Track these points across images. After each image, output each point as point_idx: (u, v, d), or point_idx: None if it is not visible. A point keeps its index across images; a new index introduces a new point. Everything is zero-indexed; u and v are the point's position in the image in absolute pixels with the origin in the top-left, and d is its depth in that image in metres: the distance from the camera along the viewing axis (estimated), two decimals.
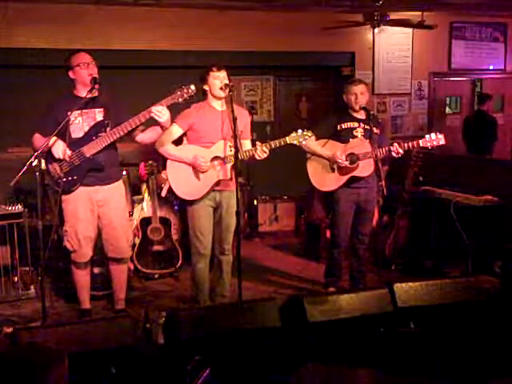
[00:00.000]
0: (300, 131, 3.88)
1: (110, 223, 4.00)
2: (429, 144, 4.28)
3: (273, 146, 3.88)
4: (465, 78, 7.82)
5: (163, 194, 4.19)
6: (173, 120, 3.99)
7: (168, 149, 3.99)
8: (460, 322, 2.96)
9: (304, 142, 3.95)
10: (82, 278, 4.12)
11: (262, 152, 3.85)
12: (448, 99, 7.90)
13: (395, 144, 4.25)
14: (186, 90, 3.69)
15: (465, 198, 4.75)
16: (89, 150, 3.80)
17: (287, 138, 3.88)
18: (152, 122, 3.83)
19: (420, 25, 6.57)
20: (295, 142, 3.89)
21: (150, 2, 5.92)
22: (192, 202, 4.01)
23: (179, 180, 3.99)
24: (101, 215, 3.99)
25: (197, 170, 3.93)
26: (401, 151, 4.21)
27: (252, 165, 4.19)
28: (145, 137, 3.93)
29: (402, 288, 3.04)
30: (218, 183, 3.98)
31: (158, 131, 3.87)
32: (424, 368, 2.73)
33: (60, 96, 3.99)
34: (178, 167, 3.99)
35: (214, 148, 3.94)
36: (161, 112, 3.66)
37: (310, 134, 3.89)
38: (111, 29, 5.98)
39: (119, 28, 6.01)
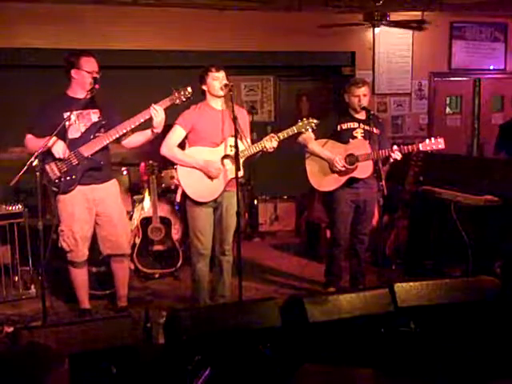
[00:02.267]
0: (305, 119, 3.94)
1: (109, 220, 4.01)
2: (428, 148, 4.30)
3: (281, 137, 3.90)
4: (465, 78, 7.81)
5: (178, 199, 4.18)
6: (174, 122, 3.99)
7: (175, 153, 3.97)
8: (460, 322, 2.96)
9: (310, 130, 3.99)
10: (80, 278, 4.11)
11: (271, 143, 3.85)
12: (448, 99, 7.90)
13: (395, 149, 4.25)
14: (182, 92, 3.72)
15: (465, 197, 4.74)
16: (87, 150, 3.81)
17: (294, 128, 3.93)
18: (140, 128, 3.84)
19: (418, 27, 6.59)
20: (303, 130, 3.97)
21: (150, 2, 5.93)
22: (193, 202, 4.01)
23: (192, 184, 3.96)
24: (99, 213, 3.99)
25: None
26: (398, 158, 4.23)
27: (253, 163, 4.18)
28: (131, 140, 3.94)
29: (403, 288, 3.04)
30: (227, 182, 3.97)
31: (146, 135, 3.86)
32: (424, 368, 2.73)
33: (52, 97, 3.97)
34: (188, 171, 3.96)
35: (222, 147, 3.94)
36: (158, 111, 3.68)
37: (315, 121, 3.96)
38: (111, 29, 5.98)
39: (119, 28, 6.01)
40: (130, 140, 3.93)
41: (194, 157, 3.95)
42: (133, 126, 3.77)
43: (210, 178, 3.94)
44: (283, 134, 3.90)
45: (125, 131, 3.78)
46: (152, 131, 3.80)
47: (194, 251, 4.11)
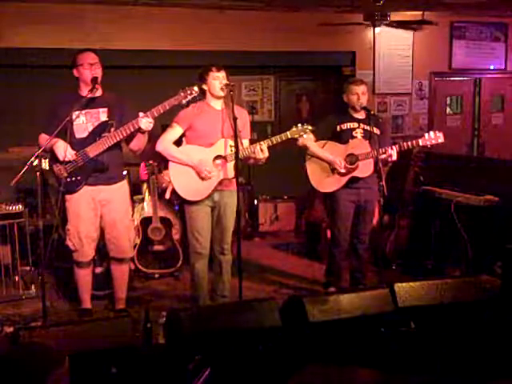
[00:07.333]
0: (300, 125, 3.89)
1: (112, 223, 4.01)
2: (428, 142, 4.30)
3: (274, 142, 3.88)
4: (466, 78, 7.81)
5: (167, 196, 4.17)
6: (172, 120, 4.00)
7: (170, 149, 3.98)
8: (460, 322, 2.96)
9: (305, 136, 3.97)
10: (84, 278, 4.12)
11: (260, 149, 3.84)
12: (449, 99, 7.90)
13: (394, 146, 4.25)
14: (189, 92, 3.70)
15: (465, 198, 4.75)
16: (92, 151, 3.80)
17: (288, 133, 3.89)
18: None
19: (420, 21, 6.59)
20: (296, 136, 3.91)
21: (150, 2, 5.92)
22: (190, 202, 4.01)
23: (183, 182, 3.97)
24: (103, 215, 3.99)
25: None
26: (394, 155, 4.21)
27: (253, 165, 4.20)
28: (133, 145, 3.95)
29: (403, 288, 3.04)
30: (220, 182, 3.97)
31: (139, 137, 3.87)
32: (424, 368, 2.73)
33: (64, 94, 3.99)
34: (180, 169, 3.97)
35: (216, 147, 3.94)
36: (142, 121, 3.69)
37: (310, 127, 3.90)
38: (111, 29, 5.98)
39: (119, 28, 6.01)
40: (132, 145, 3.94)
41: (188, 155, 3.95)
42: (133, 130, 3.76)
43: (201, 177, 3.94)
44: (276, 139, 3.87)
45: (126, 135, 3.77)
46: (141, 132, 3.81)
47: (192, 251, 4.11)
